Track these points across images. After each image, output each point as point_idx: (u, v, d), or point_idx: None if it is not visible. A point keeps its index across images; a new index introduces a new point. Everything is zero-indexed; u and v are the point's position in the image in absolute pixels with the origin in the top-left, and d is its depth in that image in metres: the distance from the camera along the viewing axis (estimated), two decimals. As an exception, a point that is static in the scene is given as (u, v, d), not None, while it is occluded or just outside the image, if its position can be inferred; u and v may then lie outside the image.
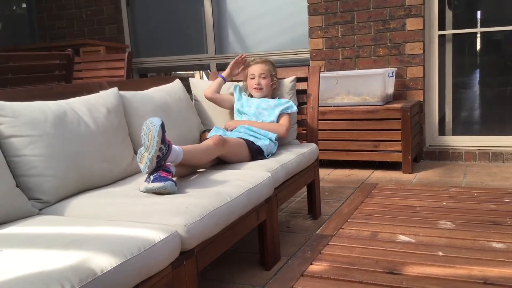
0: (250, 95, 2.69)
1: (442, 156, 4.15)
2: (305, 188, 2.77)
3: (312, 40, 4.42)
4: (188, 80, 2.96)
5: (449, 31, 4.25)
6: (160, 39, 5.28)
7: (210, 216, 1.59)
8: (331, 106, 4.00)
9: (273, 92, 2.73)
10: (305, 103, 2.83)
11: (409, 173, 3.74)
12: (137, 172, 2.11)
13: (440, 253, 1.68)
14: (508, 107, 4.31)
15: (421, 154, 4.21)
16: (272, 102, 2.61)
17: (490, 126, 4.46)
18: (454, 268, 1.56)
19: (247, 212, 1.89)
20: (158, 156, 1.78)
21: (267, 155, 2.39)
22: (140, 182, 1.91)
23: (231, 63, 2.74)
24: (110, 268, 1.17)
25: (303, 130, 2.86)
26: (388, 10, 4.12)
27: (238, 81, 2.86)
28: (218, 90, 2.69)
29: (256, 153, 2.33)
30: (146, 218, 1.53)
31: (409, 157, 3.71)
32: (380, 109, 3.75)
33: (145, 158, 1.78)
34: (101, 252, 1.21)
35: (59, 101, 1.91)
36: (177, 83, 2.72)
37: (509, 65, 4.25)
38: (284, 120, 2.58)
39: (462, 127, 4.43)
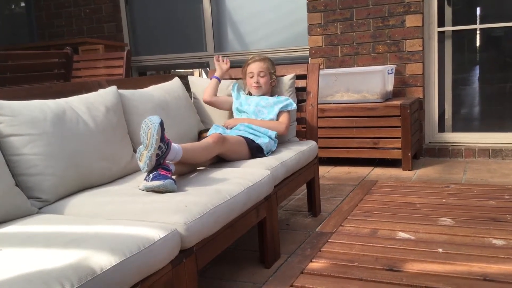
0: (249, 93, 2.69)
1: (442, 153, 4.15)
2: (304, 186, 2.77)
3: (311, 38, 4.41)
4: (187, 78, 2.96)
5: (448, 28, 4.25)
6: (159, 37, 5.28)
7: (209, 214, 1.59)
8: (330, 103, 3.99)
9: (273, 90, 2.73)
10: (304, 101, 2.83)
11: (409, 170, 3.74)
12: (137, 170, 2.11)
13: (440, 250, 1.68)
14: (508, 104, 4.31)
15: (420, 151, 4.21)
16: (271, 100, 2.61)
17: (490, 122, 4.46)
18: (454, 264, 1.56)
19: (246, 210, 1.89)
20: (157, 154, 1.78)
21: (267, 153, 2.39)
22: (140, 180, 1.91)
23: (216, 63, 2.77)
24: (109, 267, 1.17)
25: (303, 128, 2.86)
26: (387, 7, 4.12)
27: (237, 79, 2.85)
28: (215, 93, 2.69)
29: (255, 151, 2.33)
30: (145, 217, 1.53)
31: (409, 154, 3.71)
32: (379, 106, 3.75)
33: (144, 157, 1.78)
34: (101, 250, 1.21)
35: (58, 100, 1.91)
36: (176, 81, 2.71)
37: (508, 61, 4.25)
38: (284, 118, 2.57)
39: (462, 124, 4.43)
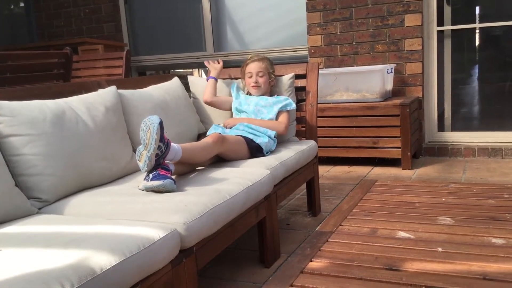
0: (249, 93, 2.69)
1: (441, 152, 4.15)
2: (304, 185, 2.77)
3: (311, 37, 4.41)
4: (187, 78, 2.96)
5: (447, 27, 4.25)
6: (158, 37, 5.28)
7: (209, 214, 1.59)
8: (330, 103, 4.00)
9: (272, 90, 2.73)
10: (304, 100, 2.83)
11: (409, 170, 3.75)
12: (136, 170, 2.11)
13: (440, 249, 1.68)
14: (507, 103, 4.31)
15: (420, 150, 4.21)
16: (270, 99, 2.61)
17: (489, 121, 4.46)
18: (454, 264, 1.56)
19: (246, 210, 1.89)
20: (157, 154, 1.78)
21: (266, 153, 2.39)
22: (139, 180, 1.91)
23: (208, 66, 2.79)
24: (109, 267, 1.17)
25: (302, 127, 2.86)
26: (386, 6, 4.12)
27: (236, 78, 2.86)
28: (214, 92, 2.70)
29: (255, 150, 2.33)
30: (145, 217, 1.53)
31: (408, 154, 3.71)
32: (379, 106, 3.75)
33: (144, 157, 1.78)
34: (101, 250, 1.21)
35: (57, 100, 1.91)
36: (175, 81, 2.71)
37: (507, 60, 4.25)
38: (283, 117, 2.57)
39: (461, 123, 4.43)
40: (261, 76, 2.61)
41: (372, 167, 3.95)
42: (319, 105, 3.80)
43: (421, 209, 2.16)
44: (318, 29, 4.37)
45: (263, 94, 2.64)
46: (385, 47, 4.17)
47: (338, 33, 4.31)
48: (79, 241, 1.27)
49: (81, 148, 1.85)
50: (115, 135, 2.05)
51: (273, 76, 2.69)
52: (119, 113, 2.14)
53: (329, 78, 4.00)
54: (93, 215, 1.61)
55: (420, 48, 4.07)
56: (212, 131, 2.41)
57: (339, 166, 4.05)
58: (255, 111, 2.57)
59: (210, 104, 2.69)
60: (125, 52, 3.73)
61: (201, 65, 5.30)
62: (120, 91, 2.23)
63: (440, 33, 4.22)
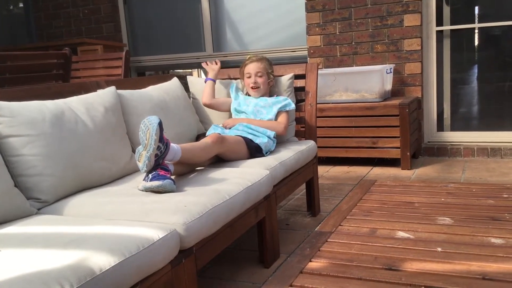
0: (248, 94, 2.69)
1: (441, 152, 4.16)
2: (304, 185, 2.77)
3: (310, 37, 4.42)
4: (186, 78, 2.96)
5: (446, 27, 4.25)
6: (157, 37, 5.28)
7: (208, 214, 1.59)
8: (329, 103, 4.00)
9: (271, 90, 2.73)
10: (303, 100, 2.83)
11: (408, 170, 3.75)
12: (136, 170, 2.11)
13: (439, 249, 1.68)
14: (507, 103, 4.31)
15: (419, 150, 4.21)
16: (270, 100, 2.61)
17: (489, 121, 4.46)
18: (453, 263, 1.56)
19: (246, 210, 1.89)
20: (156, 155, 1.78)
21: (266, 153, 2.39)
22: (139, 180, 1.91)
23: (206, 67, 2.80)
24: (109, 267, 1.17)
25: (302, 128, 2.86)
26: (385, 6, 4.12)
27: (235, 78, 2.86)
28: (213, 94, 2.70)
29: (254, 150, 2.33)
30: (144, 217, 1.53)
31: (408, 154, 3.71)
32: (378, 106, 3.75)
33: (143, 157, 1.78)
34: (100, 251, 1.21)
35: (56, 101, 1.91)
36: (175, 81, 2.71)
37: (507, 60, 4.25)
38: (283, 118, 2.57)
39: (461, 123, 4.43)
40: (260, 77, 2.61)
41: (371, 167, 3.95)
42: (318, 105, 3.81)
43: (420, 209, 2.16)
44: (317, 29, 4.38)
45: (262, 95, 2.64)
46: (384, 47, 4.18)
47: (337, 33, 4.31)
48: (79, 242, 1.27)
49: (80, 148, 1.85)
50: (114, 136, 2.05)
51: (272, 76, 2.69)
52: (119, 113, 2.14)
53: (328, 78, 4.00)
54: (93, 216, 1.61)
55: (419, 48, 4.07)
56: (211, 132, 2.41)
57: (339, 166, 4.05)
58: (255, 112, 2.57)
59: (209, 106, 2.69)
60: (124, 53, 3.73)
61: (200, 66, 5.29)
62: (120, 91, 2.23)
63: (439, 33, 4.22)
